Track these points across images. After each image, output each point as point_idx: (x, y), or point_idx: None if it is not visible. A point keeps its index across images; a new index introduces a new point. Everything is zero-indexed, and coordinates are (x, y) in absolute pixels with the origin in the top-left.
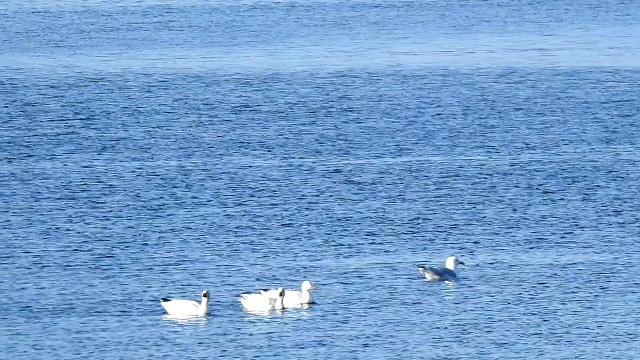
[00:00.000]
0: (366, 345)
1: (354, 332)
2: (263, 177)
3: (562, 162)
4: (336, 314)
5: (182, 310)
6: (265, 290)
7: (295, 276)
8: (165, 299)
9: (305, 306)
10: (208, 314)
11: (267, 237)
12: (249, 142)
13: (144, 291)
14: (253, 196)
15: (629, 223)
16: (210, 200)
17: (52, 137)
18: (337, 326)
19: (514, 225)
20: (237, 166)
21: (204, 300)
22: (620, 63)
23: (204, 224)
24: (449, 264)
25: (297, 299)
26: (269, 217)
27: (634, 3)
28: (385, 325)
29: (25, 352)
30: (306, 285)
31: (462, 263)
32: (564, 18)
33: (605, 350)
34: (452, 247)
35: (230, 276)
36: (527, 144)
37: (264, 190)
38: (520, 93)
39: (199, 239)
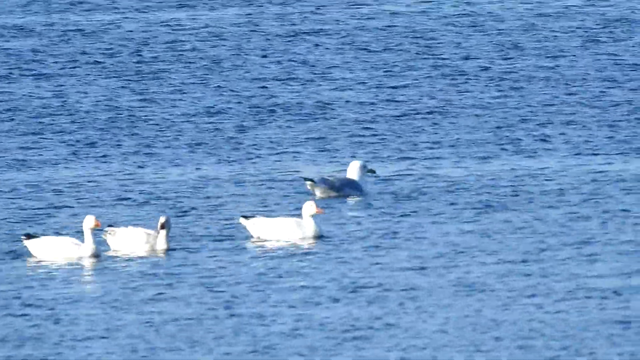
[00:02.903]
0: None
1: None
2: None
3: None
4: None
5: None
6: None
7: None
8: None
9: (311, 241)
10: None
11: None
12: None
13: None
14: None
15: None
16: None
17: None
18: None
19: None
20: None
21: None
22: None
23: None
24: (352, 171)
25: (295, 229)
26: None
27: None
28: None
29: None
30: (310, 207)
31: (373, 171)
32: None
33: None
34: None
35: None
36: None
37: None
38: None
39: None
